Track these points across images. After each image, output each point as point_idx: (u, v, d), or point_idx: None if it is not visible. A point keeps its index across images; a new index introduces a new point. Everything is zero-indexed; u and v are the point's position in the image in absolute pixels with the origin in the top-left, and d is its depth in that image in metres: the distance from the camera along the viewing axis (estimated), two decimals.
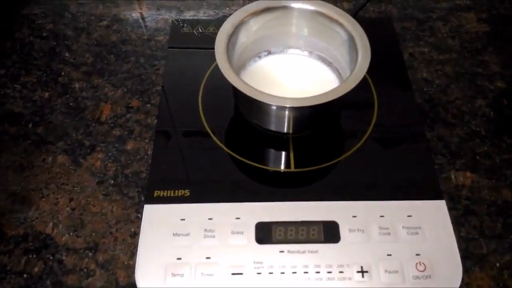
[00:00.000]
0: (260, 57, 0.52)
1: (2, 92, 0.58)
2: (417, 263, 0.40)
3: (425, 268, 0.39)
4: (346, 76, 0.47)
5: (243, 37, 0.48)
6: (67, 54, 0.63)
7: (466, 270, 0.45)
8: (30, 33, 0.65)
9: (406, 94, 0.53)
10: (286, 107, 0.43)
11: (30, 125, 0.55)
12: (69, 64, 0.61)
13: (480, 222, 0.48)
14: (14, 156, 0.53)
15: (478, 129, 0.56)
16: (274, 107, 0.43)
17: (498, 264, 0.46)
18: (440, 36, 0.65)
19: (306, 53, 0.53)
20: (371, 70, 0.44)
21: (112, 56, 0.62)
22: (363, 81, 0.52)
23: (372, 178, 0.46)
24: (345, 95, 0.42)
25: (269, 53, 0.53)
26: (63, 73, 0.60)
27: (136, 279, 0.39)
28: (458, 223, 0.48)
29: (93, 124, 0.55)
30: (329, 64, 0.52)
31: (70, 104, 0.57)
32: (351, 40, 0.45)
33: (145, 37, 0.64)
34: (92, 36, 0.65)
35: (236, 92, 0.45)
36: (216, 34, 0.46)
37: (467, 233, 0.48)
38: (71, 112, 0.57)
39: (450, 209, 0.44)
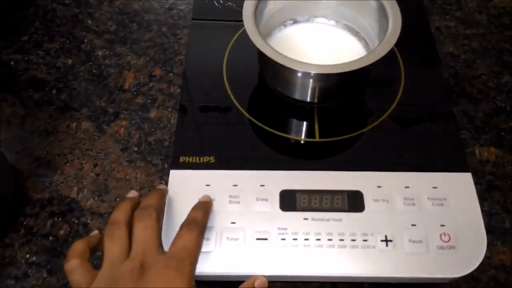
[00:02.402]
0: (285, 25, 0.52)
1: (25, 58, 0.58)
2: (441, 234, 0.39)
3: (449, 239, 0.39)
4: (373, 46, 0.47)
5: (270, 4, 0.47)
6: (89, 22, 0.62)
7: (488, 244, 0.44)
8: (53, 0, 0.65)
9: (433, 68, 0.52)
10: (312, 74, 0.42)
11: (54, 91, 0.56)
12: (91, 31, 0.61)
13: (503, 197, 0.48)
14: (39, 121, 0.53)
15: (503, 105, 0.55)
16: (299, 74, 0.43)
17: None
18: (467, 11, 0.64)
19: (332, 22, 0.52)
20: (399, 42, 0.43)
21: (134, 24, 0.62)
22: (391, 53, 0.52)
23: (398, 150, 0.45)
24: (373, 64, 0.41)
25: (295, 21, 0.52)
26: (85, 41, 0.60)
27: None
28: (481, 198, 0.47)
29: (116, 92, 0.56)
30: (355, 34, 0.51)
31: (93, 71, 0.57)
32: (381, 8, 0.45)
33: (167, 6, 0.64)
34: (114, 4, 0.64)
35: (262, 59, 0.45)
36: (237, 3, 0.45)
37: (490, 208, 0.47)
38: (94, 79, 0.57)
39: (474, 183, 0.43)
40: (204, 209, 0.39)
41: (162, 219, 0.40)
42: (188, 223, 0.37)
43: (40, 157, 0.51)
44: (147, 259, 0.34)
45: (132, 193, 0.40)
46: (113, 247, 0.34)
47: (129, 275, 0.33)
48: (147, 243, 0.35)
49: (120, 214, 0.36)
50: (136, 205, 0.39)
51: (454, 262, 0.39)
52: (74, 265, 0.34)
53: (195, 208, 0.39)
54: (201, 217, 0.38)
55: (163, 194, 0.40)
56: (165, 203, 0.41)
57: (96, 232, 0.39)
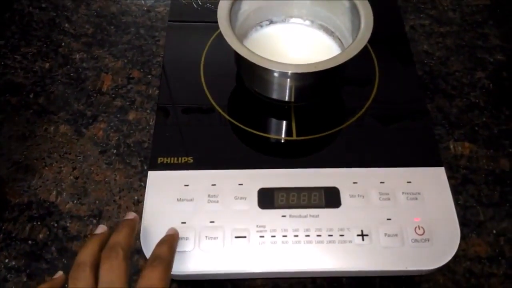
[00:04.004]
0: (261, 26, 0.52)
1: (2, 63, 0.58)
2: (416, 227, 0.40)
3: (424, 232, 0.40)
4: (347, 45, 0.47)
5: (245, 5, 0.48)
6: (66, 25, 0.62)
7: (463, 237, 0.46)
8: (29, 4, 0.64)
9: (407, 66, 0.53)
10: (288, 73, 0.43)
11: (31, 95, 0.55)
12: (69, 35, 0.61)
13: (478, 190, 0.49)
14: (16, 126, 0.53)
15: (477, 100, 0.56)
16: (276, 74, 0.43)
17: (494, 231, 0.47)
18: (441, 9, 0.65)
19: (308, 22, 0.53)
20: (373, 41, 0.44)
21: (112, 27, 0.62)
22: (365, 52, 0.53)
23: (373, 146, 0.46)
24: (347, 62, 0.42)
25: (271, 22, 0.53)
26: (63, 44, 0.60)
27: (141, 243, 0.40)
28: (456, 192, 0.49)
29: (95, 95, 0.55)
30: (331, 33, 0.51)
31: (71, 74, 0.57)
32: (354, 8, 0.45)
33: (145, 8, 0.64)
34: (91, 7, 0.64)
35: (239, 60, 0.46)
36: (216, 4, 0.45)
37: (465, 201, 0.49)
38: (72, 82, 0.57)
39: (448, 178, 0.44)
40: (168, 242, 0.38)
41: (138, 236, 0.40)
42: (152, 260, 0.35)
43: (18, 162, 0.50)
44: None
45: (100, 229, 0.38)
46: None
47: None
48: (112, 285, 0.33)
49: (86, 255, 0.35)
50: (105, 241, 0.37)
51: (429, 254, 0.40)
52: None
53: (159, 243, 0.38)
54: (165, 251, 0.36)
55: (133, 226, 0.38)
56: (136, 236, 0.38)
57: (60, 273, 0.37)
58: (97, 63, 0.58)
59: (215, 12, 0.45)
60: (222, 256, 0.39)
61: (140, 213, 0.44)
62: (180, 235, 0.39)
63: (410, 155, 0.45)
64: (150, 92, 0.56)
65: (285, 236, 0.40)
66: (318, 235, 0.40)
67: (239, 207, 0.41)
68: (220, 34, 0.43)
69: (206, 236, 0.40)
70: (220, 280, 0.39)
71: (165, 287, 0.34)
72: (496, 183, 0.50)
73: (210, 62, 0.53)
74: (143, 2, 0.65)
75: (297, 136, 0.47)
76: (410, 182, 0.43)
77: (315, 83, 0.46)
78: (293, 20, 0.53)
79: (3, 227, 0.46)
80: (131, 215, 0.39)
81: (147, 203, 0.42)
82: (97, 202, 0.48)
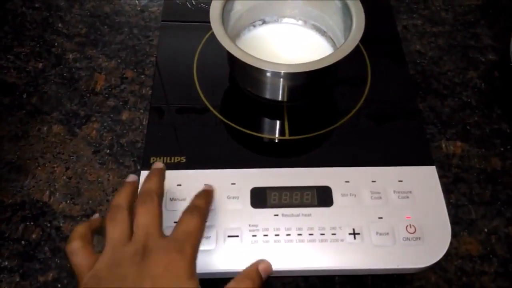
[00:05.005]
0: (254, 26, 0.52)
1: None
2: (407, 226, 0.41)
3: (415, 230, 0.40)
4: (340, 45, 0.48)
5: (238, 5, 0.48)
6: (60, 25, 0.62)
7: (455, 235, 0.46)
8: (22, 4, 0.64)
9: (400, 65, 0.54)
10: (281, 73, 0.43)
11: (24, 96, 0.55)
12: (62, 35, 0.61)
13: (469, 189, 0.50)
14: (9, 126, 0.53)
15: (469, 100, 0.57)
16: (269, 74, 0.44)
17: (486, 229, 0.47)
18: (434, 9, 0.66)
19: (300, 22, 0.53)
20: (365, 41, 0.44)
21: (105, 27, 0.62)
22: (358, 52, 0.53)
23: (365, 145, 0.46)
24: (339, 61, 0.42)
25: (264, 22, 0.53)
26: (56, 44, 0.60)
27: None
28: (448, 190, 0.49)
29: (88, 95, 0.55)
30: (323, 33, 0.52)
31: (64, 74, 0.57)
32: (345, 7, 0.46)
33: (139, 8, 0.64)
34: (85, 7, 0.64)
35: (232, 59, 0.46)
36: (209, 3, 0.46)
37: (457, 200, 0.49)
38: (65, 82, 0.56)
39: (440, 177, 0.45)
40: (205, 197, 0.39)
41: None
42: (190, 209, 0.37)
43: (11, 162, 0.50)
44: (149, 242, 0.34)
45: (132, 177, 0.40)
46: (115, 230, 0.34)
47: (131, 258, 0.33)
48: (149, 227, 0.34)
49: (121, 198, 0.36)
50: (136, 189, 0.39)
51: (420, 252, 0.40)
52: (76, 247, 0.34)
53: (196, 196, 0.39)
54: (203, 203, 0.38)
55: (163, 174, 0.40)
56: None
57: (97, 215, 0.39)
58: (91, 63, 0.58)
59: (208, 12, 0.45)
60: (214, 255, 0.39)
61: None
62: None
63: (401, 154, 0.46)
64: (143, 92, 0.56)
65: (278, 235, 0.40)
66: (310, 234, 0.40)
67: (232, 206, 0.41)
68: (213, 34, 0.43)
69: None
70: (213, 279, 0.39)
71: (200, 235, 0.35)
72: (487, 182, 0.50)
73: (203, 62, 0.53)
74: (136, 2, 0.65)
75: (289, 135, 0.47)
76: (401, 181, 0.43)
77: (307, 83, 0.47)
78: (286, 20, 0.53)
79: None
80: (159, 164, 0.41)
81: None
82: (90, 202, 0.48)
